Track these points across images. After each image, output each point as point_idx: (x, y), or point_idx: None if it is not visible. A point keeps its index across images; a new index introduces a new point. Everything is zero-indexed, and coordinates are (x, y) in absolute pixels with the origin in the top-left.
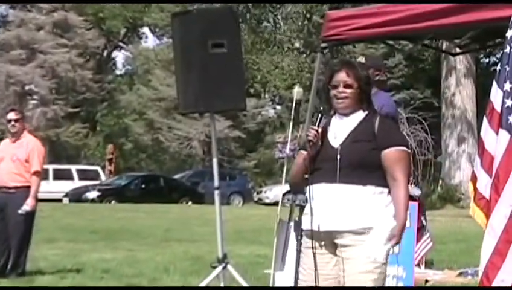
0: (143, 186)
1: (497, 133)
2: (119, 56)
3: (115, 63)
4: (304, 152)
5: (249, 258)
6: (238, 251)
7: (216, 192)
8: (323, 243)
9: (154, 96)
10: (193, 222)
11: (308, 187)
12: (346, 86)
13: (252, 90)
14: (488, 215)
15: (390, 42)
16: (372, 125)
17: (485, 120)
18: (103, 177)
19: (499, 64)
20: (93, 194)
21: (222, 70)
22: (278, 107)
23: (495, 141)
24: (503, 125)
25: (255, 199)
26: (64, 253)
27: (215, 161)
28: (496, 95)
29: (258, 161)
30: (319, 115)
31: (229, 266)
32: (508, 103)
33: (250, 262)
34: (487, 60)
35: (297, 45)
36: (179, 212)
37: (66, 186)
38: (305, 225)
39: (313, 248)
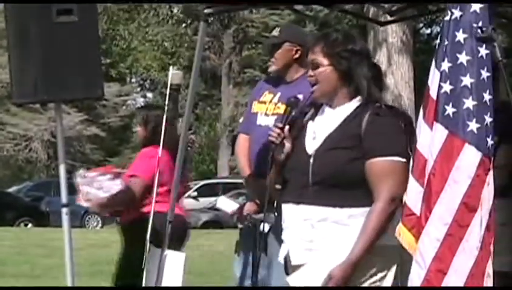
0: None
1: (431, 128)
2: None
3: None
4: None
5: None
6: None
7: (64, 210)
8: None
9: None
10: (34, 251)
11: (278, 205)
12: (314, 66)
13: (113, 73)
14: (418, 238)
15: (299, 7)
16: (360, 123)
17: (421, 111)
18: None
19: (439, 37)
20: None
21: (71, 46)
22: (149, 94)
23: (429, 139)
24: (439, 118)
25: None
26: None
27: (62, 169)
28: (433, 78)
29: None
30: (288, 108)
31: None
32: (446, 87)
33: None
34: (428, 31)
35: (174, 10)
36: (15, 238)
37: None
38: (279, 256)
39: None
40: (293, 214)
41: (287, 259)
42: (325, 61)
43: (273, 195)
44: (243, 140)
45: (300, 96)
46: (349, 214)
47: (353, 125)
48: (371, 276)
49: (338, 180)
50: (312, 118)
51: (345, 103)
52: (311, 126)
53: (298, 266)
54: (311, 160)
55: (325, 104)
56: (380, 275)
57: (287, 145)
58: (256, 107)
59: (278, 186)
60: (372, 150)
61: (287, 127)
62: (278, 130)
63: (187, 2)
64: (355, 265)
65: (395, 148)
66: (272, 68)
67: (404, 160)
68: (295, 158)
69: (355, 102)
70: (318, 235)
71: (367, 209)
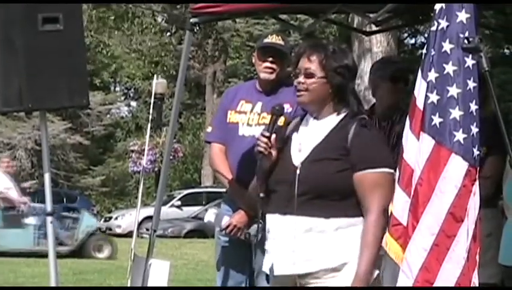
0: None
1: (418, 138)
2: None
3: None
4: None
5: None
6: None
7: (49, 219)
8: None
9: None
10: (17, 260)
11: (262, 214)
12: (308, 74)
13: (97, 81)
14: (405, 248)
15: (284, 17)
16: (346, 135)
17: (407, 121)
18: None
19: (425, 47)
20: None
21: (57, 55)
22: (133, 103)
23: (416, 149)
24: (426, 128)
25: (102, 228)
26: None
27: (47, 177)
28: (419, 88)
29: (106, 176)
30: (274, 117)
31: None
32: (432, 98)
33: None
34: (412, 41)
35: (159, 19)
36: None
37: None
38: (264, 266)
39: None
40: (278, 224)
41: (270, 270)
42: (320, 73)
43: (256, 204)
44: (218, 149)
45: (287, 106)
46: (336, 224)
47: (339, 137)
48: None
49: (324, 191)
50: (296, 129)
51: (330, 115)
52: (296, 137)
53: (281, 277)
54: (298, 171)
55: (310, 115)
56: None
57: (273, 153)
58: (233, 117)
59: (261, 195)
60: (362, 162)
61: (273, 136)
62: (265, 140)
63: (173, 2)
64: (365, 280)
65: (384, 160)
66: (272, 76)
67: (392, 171)
68: (281, 169)
69: (341, 114)
70: (301, 246)
71: (352, 220)
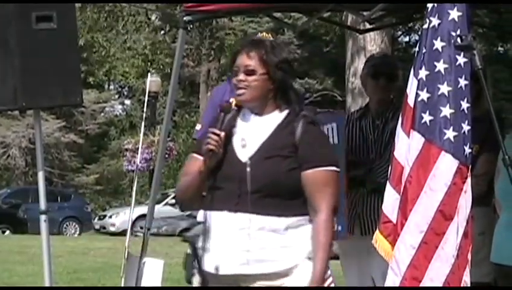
0: None
1: (409, 135)
2: None
3: None
4: (199, 156)
5: None
6: None
7: (43, 217)
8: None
9: None
10: (12, 258)
11: (204, 213)
12: (248, 72)
13: (91, 80)
14: (394, 245)
15: (278, 15)
16: (293, 133)
17: (399, 119)
18: None
19: (417, 45)
20: None
21: (51, 53)
22: (127, 101)
23: (406, 147)
24: (416, 126)
25: (97, 226)
26: None
27: (41, 176)
28: (411, 86)
29: (101, 175)
30: (222, 114)
31: None
32: (423, 95)
33: None
34: (406, 39)
35: (152, 18)
36: None
37: None
38: (205, 265)
39: None
40: (227, 222)
41: (216, 269)
42: (262, 70)
43: (196, 202)
44: None
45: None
46: (286, 223)
47: (286, 134)
48: None
49: (277, 190)
50: (233, 123)
51: (273, 111)
52: (236, 133)
53: (227, 276)
54: (248, 168)
55: (250, 111)
56: None
57: (220, 151)
58: None
59: (204, 193)
60: (311, 160)
61: (222, 133)
62: (216, 137)
63: (167, 1)
64: (322, 280)
65: (333, 158)
66: None
67: (339, 169)
68: (228, 166)
69: (284, 111)
70: (255, 245)
71: (302, 218)
